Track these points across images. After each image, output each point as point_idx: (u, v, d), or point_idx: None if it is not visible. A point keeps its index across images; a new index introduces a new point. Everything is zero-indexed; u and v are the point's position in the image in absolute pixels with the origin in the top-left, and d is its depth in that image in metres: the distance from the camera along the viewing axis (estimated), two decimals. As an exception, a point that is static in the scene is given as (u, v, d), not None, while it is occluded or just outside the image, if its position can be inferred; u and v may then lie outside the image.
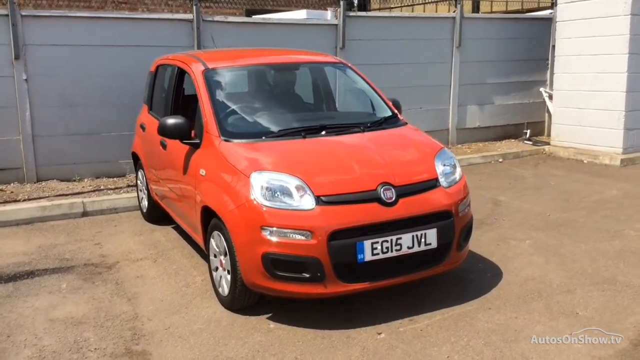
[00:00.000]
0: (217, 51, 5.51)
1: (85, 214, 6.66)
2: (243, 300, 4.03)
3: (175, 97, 5.23)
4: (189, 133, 4.52)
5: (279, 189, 3.79)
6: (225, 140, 4.29)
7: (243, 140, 4.31)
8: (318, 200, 3.75)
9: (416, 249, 3.87)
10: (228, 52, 5.50)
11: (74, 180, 7.66)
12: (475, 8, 17.81)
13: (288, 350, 3.62)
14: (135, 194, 6.79)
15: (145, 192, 6.16)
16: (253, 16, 10.07)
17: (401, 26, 9.49)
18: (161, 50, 6.79)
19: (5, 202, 6.94)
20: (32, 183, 7.58)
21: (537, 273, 4.71)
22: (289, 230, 3.67)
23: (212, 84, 4.69)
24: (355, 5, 15.25)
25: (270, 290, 3.85)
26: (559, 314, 4.01)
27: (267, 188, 3.80)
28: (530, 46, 10.53)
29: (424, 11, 19.68)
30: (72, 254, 5.53)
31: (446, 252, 4.05)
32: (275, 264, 3.73)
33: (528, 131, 10.57)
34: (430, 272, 4.06)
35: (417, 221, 3.90)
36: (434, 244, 3.94)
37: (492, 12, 18.65)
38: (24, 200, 6.98)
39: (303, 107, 4.98)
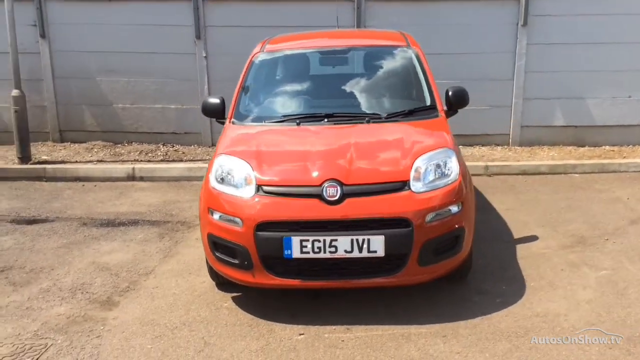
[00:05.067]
0: (289, 35, 5.60)
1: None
2: (213, 276, 4.25)
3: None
4: (222, 113, 4.79)
5: (228, 173, 3.89)
6: (232, 123, 4.50)
7: (246, 123, 4.46)
8: (259, 189, 3.74)
9: (356, 254, 3.57)
10: (294, 36, 5.55)
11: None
12: None
13: (206, 329, 3.75)
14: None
15: None
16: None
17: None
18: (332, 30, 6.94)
19: (173, 160, 8.20)
20: (207, 147, 8.73)
21: (560, 311, 3.84)
22: (226, 216, 3.76)
23: (251, 68, 4.89)
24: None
25: (217, 270, 4.00)
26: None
27: (220, 172, 3.93)
28: None
29: None
30: (180, 211, 6.37)
31: (400, 264, 3.63)
32: (216, 246, 3.87)
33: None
34: (377, 283, 3.70)
35: (360, 225, 3.58)
36: (380, 253, 3.57)
37: None
38: (186, 160, 8.14)
39: (337, 93, 4.80)
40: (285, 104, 4.65)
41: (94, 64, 8.79)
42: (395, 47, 5.09)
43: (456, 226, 3.77)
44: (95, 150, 8.72)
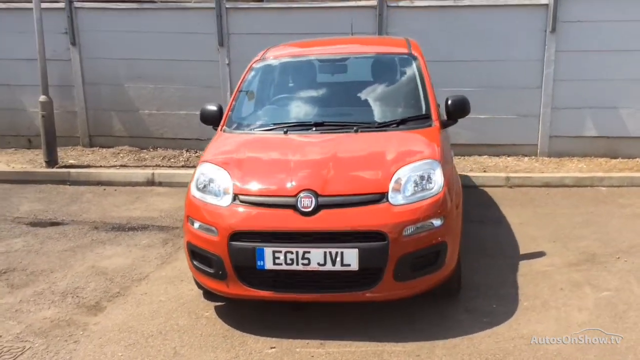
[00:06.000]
0: (291, 43, 5.55)
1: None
2: (198, 284, 4.23)
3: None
4: (219, 120, 4.77)
5: (208, 182, 3.87)
6: (223, 131, 4.49)
7: (236, 131, 4.44)
8: (235, 198, 3.70)
9: (329, 267, 3.49)
10: (296, 44, 5.50)
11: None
12: None
13: (180, 339, 3.73)
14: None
15: None
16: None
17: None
18: (346, 37, 6.91)
19: (193, 166, 8.25)
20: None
21: (547, 334, 3.64)
22: (204, 225, 3.74)
23: (248, 76, 4.87)
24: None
25: (196, 279, 3.98)
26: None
27: (202, 180, 3.92)
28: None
29: None
30: (189, 217, 6.40)
31: (375, 279, 3.52)
32: (194, 254, 3.85)
33: None
34: (352, 297, 3.60)
35: (334, 237, 3.50)
36: (354, 266, 3.47)
37: None
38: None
39: (330, 101, 4.72)
40: (276, 112, 4.62)
41: (121, 70, 8.98)
42: (395, 54, 4.98)
43: (437, 241, 3.63)
44: (121, 155, 8.90)
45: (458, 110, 4.55)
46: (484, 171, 7.69)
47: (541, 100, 8.19)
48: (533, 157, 8.33)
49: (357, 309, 3.97)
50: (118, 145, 9.20)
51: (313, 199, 3.55)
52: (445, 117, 4.63)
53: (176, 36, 8.68)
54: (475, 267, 4.70)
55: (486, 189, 7.22)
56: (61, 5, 8.82)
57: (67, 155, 8.88)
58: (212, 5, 8.40)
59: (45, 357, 3.56)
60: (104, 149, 9.18)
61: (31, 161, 8.61)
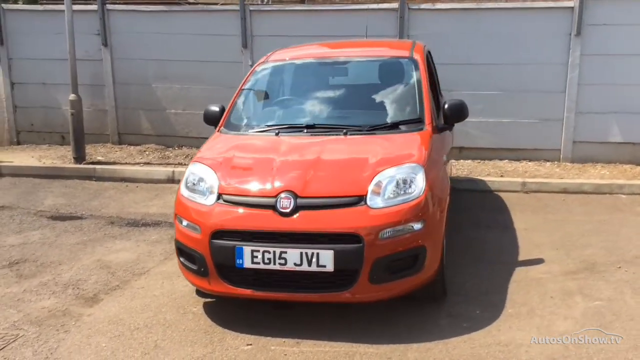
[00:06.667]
0: (297, 46, 5.62)
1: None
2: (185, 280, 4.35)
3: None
4: (219, 122, 4.88)
5: (197, 181, 3.98)
6: (220, 132, 4.61)
7: (232, 132, 4.55)
8: (219, 197, 3.80)
9: (306, 267, 3.54)
10: (300, 47, 5.56)
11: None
12: None
13: (164, 333, 3.84)
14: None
15: None
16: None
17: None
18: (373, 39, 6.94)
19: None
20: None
21: (525, 341, 3.60)
22: (190, 223, 3.85)
23: (250, 78, 4.97)
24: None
25: (184, 275, 4.10)
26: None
27: (191, 179, 4.03)
28: None
29: None
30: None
31: (351, 281, 3.56)
32: (180, 252, 3.97)
33: None
34: (327, 298, 3.64)
35: (310, 238, 3.55)
36: (330, 268, 3.52)
37: None
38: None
39: (326, 104, 4.75)
40: (271, 114, 4.70)
41: (150, 71, 9.25)
42: (394, 57, 4.99)
43: (416, 244, 3.63)
44: (147, 153, 9.16)
45: (454, 114, 4.54)
46: (501, 176, 7.58)
47: (565, 104, 8.02)
48: (555, 162, 8.16)
49: (341, 309, 4.00)
50: (145, 143, 9.47)
51: (292, 200, 3.61)
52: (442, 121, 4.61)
53: (202, 38, 8.89)
54: (469, 273, 4.67)
55: (501, 194, 7.13)
56: (94, 7, 9.15)
57: (96, 151, 9.20)
58: (237, 7, 8.54)
59: (34, 345, 3.73)
60: (132, 147, 9.47)
61: (62, 157, 8.96)
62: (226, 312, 4.06)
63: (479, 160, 8.29)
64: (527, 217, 6.18)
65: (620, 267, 4.70)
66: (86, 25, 9.05)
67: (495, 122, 8.18)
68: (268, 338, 3.72)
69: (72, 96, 8.37)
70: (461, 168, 8.03)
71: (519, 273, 4.64)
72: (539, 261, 4.88)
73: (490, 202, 6.82)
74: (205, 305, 4.21)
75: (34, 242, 5.70)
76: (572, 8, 7.74)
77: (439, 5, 8.13)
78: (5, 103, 9.84)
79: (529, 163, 8.15)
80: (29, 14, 9.68)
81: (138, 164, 8.53)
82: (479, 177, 7.52)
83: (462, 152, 8.33)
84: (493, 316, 3.92)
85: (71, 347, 3.70)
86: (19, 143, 9.94)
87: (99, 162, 8.55)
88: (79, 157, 8.46)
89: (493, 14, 8.01)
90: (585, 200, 6.78)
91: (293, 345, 3.63)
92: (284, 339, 3.69)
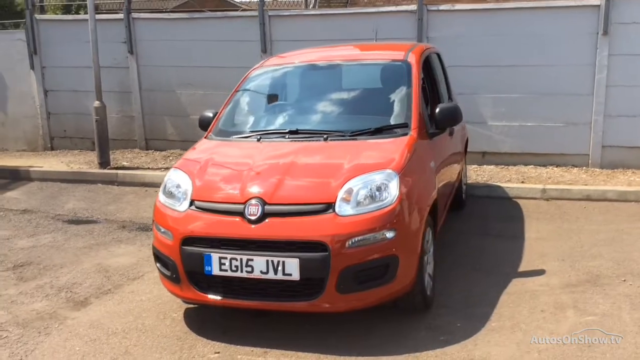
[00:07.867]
0: (295, 51, 5.55)
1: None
2: None
3: None
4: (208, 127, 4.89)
5: (175, 187, 3.98)
6: (207, 138, 4.61)
7: (217, 138, 4.54)
8: (192, 204, 3.79)
9: (272, 276, 3.49)
10: (297, 52, 5.49)
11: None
12: None
13: (137, 338, 3.85)
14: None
15: None
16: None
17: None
18: (383, 42, 6.87)
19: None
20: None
21: (500, 358, 3.42)
22: (165, 229, 3.86)
23: (243, 84, 4.96)
24: None
25: (161, 281, 4.11)
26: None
27: (169, 185, 4.04)
28: None
29: None
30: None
31: (318, 290, 3.47)
32: (156, 257, 3.99)
33: None
34: (295, 307, 3.57)
35: (276, 246, 3.49)
36: (295, 276, 3.45)
37: None
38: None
39: (312, 109, 4.67)
40: (257, 119, 4.67)
41: (174, 77, 9.39)
42: (387, 61, 4.87)
43: (387, 253, 3.51)
44: (171, 158, 9.29)
45: (445, 119, 4.41)
46: (522, 182, 7.30)
47: (592, 107, 7.67)
48: (583, 168, 7.80)
49: (320, 318, 3.90)
50: (171, 148, 9.62)
51: (260, 206, 3.56)
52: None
53: (223, 44, 8.97)
54: (463, 283, 4.50)
55: (520, 201, 6.86)
56: (121, 16, 9.37)
57: (123, 157, 9.41)
58: (256, 13, 8.57)
59: (14, 346, 3.81)
60: (157, 152, 9.63)
61: (89, 162, 9.20)
62: (203, 320, 4.04)
63: (502, 166, 8.02)
64: (542, 225, 5.92)
65: (624, 280, 4.42)
66: (113, 34, 9.28)
67: (519, 125, 7.90)
68: (237, 347, 3.68)
69: (96, 103, 8.58)
70: (482, 174, 7.78)
71: (515, 284, 4.44)
72: (539, 272, 4.65)
73: (505, 210, 6.58)
74: (186, 311, 4.21)
75: (43, 245, 5.85)
76: (598, 6, 7.39)
77: (458, 6, 7.92)
78: (39, 110, 10.20)
79: (555, 169, 7.82)
80: (60, 24, 10.02)
81: (159, 169, 8.66)
82: (498, 183, 7.27)
83: (484, 157, 8.08)
84: (474, 329, 3.75)
85: (47, 350, 3.76)
86: (52, 149, 10.27)
87: (122, 167, 8.73)
88: (104, 162, 8.66)
89: (515, 13, 7.75)
90: (607, 208, 6.45)
91: (260, 354, 3.57)
92: (252, 348, 3.64)
